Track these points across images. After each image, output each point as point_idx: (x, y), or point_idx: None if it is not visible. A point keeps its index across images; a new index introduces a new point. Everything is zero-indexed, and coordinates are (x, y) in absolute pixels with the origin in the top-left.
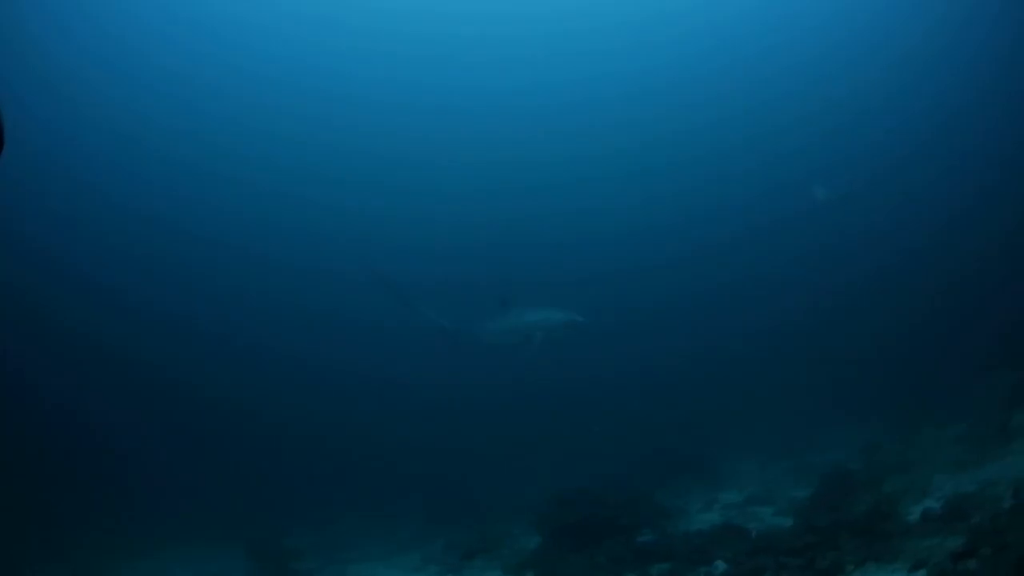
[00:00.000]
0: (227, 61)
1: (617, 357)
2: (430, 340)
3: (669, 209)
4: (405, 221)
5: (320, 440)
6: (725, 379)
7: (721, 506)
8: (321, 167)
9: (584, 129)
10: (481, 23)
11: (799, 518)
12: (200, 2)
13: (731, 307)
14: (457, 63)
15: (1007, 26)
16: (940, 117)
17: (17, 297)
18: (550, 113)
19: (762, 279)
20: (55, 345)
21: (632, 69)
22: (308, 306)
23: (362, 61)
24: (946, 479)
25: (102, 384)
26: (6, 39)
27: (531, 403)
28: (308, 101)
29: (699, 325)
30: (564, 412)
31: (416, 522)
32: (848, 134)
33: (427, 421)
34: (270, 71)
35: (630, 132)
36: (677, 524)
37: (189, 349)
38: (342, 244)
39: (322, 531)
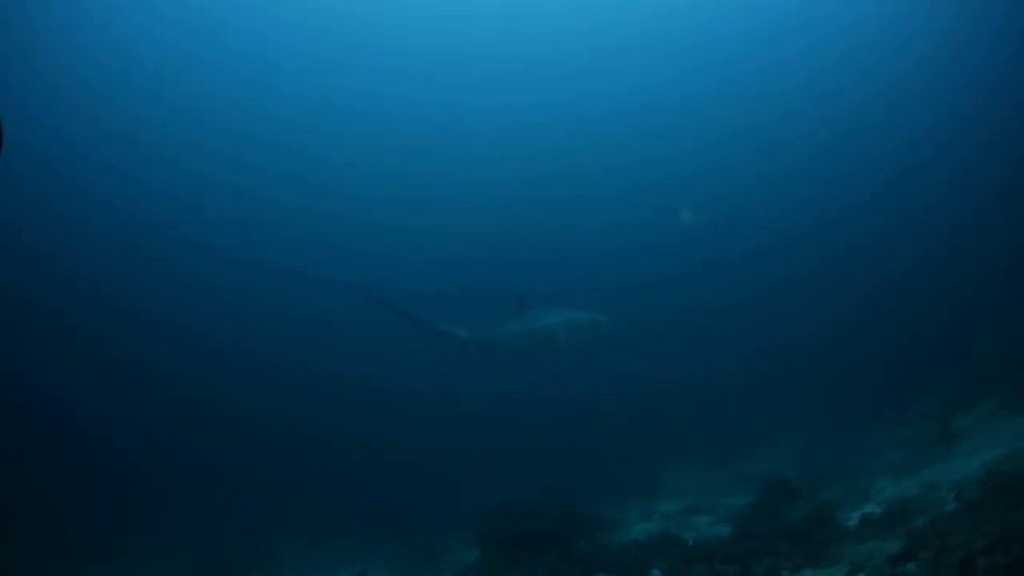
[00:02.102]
0: (231, 70)
1: (555, 371)
2: (437, 350)
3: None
4: (416, 232)
5: (260, 456)
6: (662, 390)
7: (659, 516)
8: (328, 177)
9: (570, 146)
10: (492, 36)
11: (737, 526)
12: (202, 8)
13: (668, 321)
14: (479, 77)
15: (1011, 34)
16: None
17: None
18: (548, 127)
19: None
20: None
21: (647, 82)
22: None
23: (378, 72)
24: (887, 483)
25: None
26: (7, 41)
27: (469, 416)
28: (323, 113)
29: (636, 339)
30: (502, 425)
31: (356, 538)
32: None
33: (367, 435)
34: (280, 84)
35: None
36: (615, 534)
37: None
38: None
39: (263, 549)
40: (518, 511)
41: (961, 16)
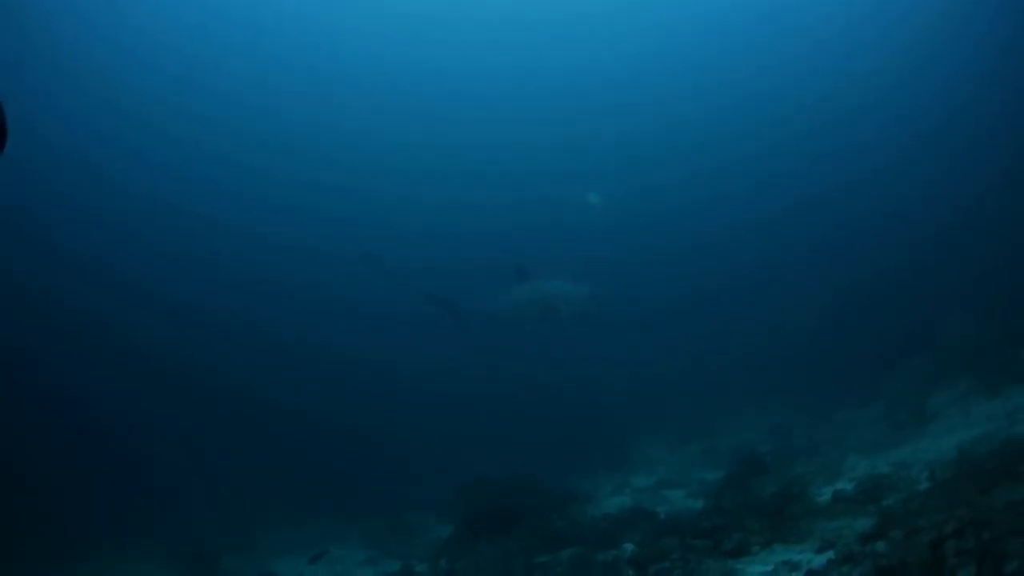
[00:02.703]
0: (238, 48)
1: (529, 345)
2: (437, 320)
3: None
4: (416, 203)
5: (232, 438)
6: (636, 363)
7: (632, 490)
8: (333, 155)
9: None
10: (499, 10)
11: (709, 500)
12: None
13: (645, 293)
14: (481, 49)
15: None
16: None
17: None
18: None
19: (676, 265)
20: None
21: (647, 54)
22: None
23: (377, 41)
24: (860, 460)
25: None
26: (14, 33)
27: (444, 391)
28: (325, 87)
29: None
30: (478, 400)
31: (330, 517)
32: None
33: (342, 412)
34: (280, 51)
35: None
36: (588, 509)
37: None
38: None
39: (238, 531)
40: (491, 487)
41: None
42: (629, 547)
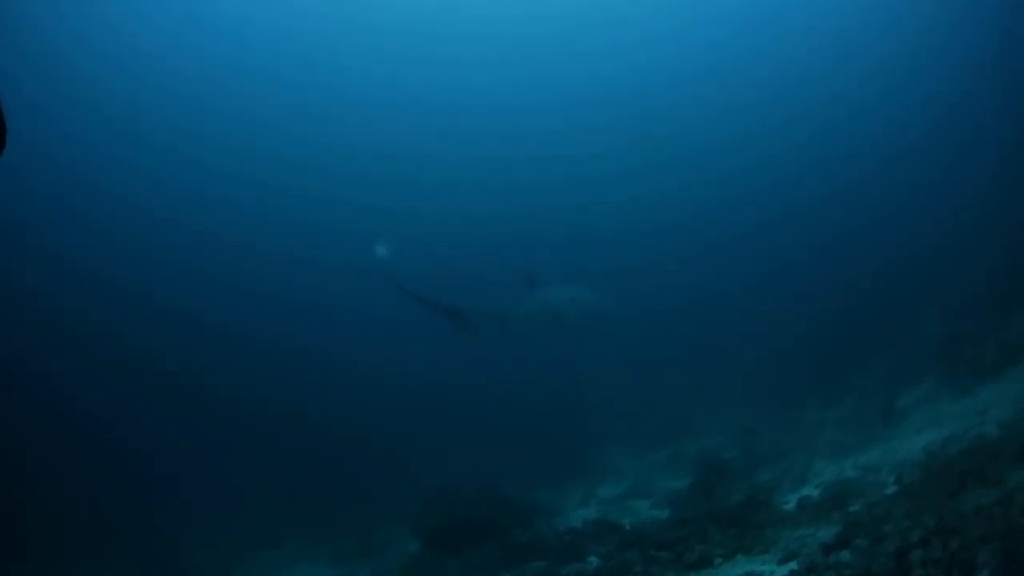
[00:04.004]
0: (233, 57)
1: (491, 356)
2: (444, 327)
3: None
4: (426, 214)
5: (201, 454)
6: (599, 370)
7: (598, 501)
8: (339, 165)
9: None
10: (501, 21)
11: (674, 510)
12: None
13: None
14: (482, 60)
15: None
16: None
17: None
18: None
19: (639, 271)
20: None
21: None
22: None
23: (378, 58)
24: (826, 464)
25: None
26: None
27: (412, 401)
28: (321, 96)
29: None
30: (445, 409)
31: (303, 536)
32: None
33: (314, 416)
34: (283, 68)
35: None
36: (553, 521)
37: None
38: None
39: (211, 548)
40: (457, 500)
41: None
42: (595, 560)
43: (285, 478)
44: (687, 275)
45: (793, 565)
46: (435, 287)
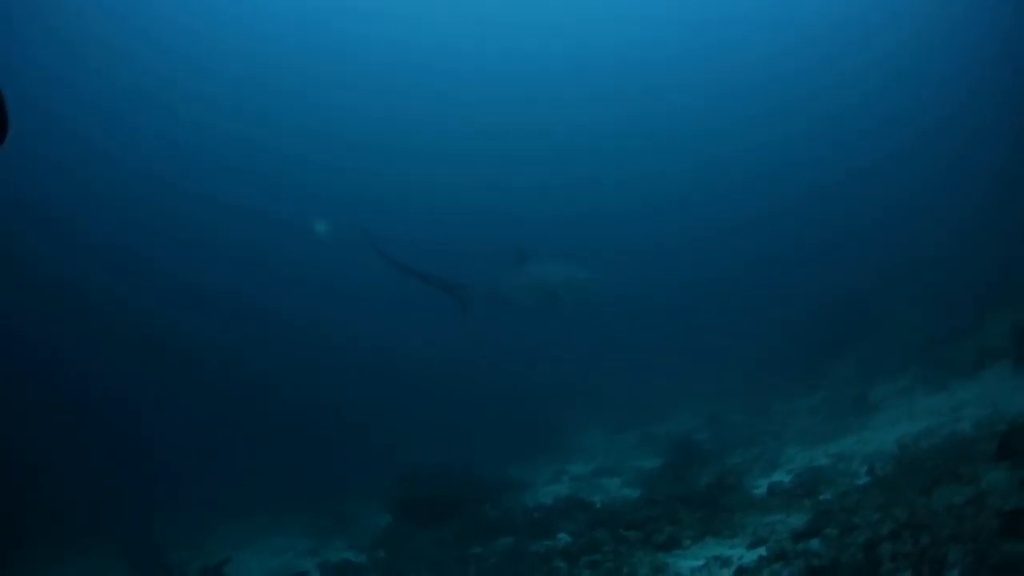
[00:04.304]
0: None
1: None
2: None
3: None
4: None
5: (173, 427)
6: (573, 350)
7: (569, 478)
8: (329, 125)
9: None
10: None
11: (644, 489)
12: None
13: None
14: (485, 27)
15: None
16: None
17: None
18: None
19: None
20: None
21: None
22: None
23: (381, 15)
24: (798, 451)
25: None
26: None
27: (382, 378)
28: (323, 56)
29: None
30: (418, 386)
31: (275, 511)
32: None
33: (279, 402)
34: (279, 25)
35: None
36: (524, 497)
37: None
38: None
39: (182, 523)
40: (428, 475)
41: None
42: (564, 537)
43: (257, 452)
44: (668, 262)
45: (762, 551)
46: (424, 261)
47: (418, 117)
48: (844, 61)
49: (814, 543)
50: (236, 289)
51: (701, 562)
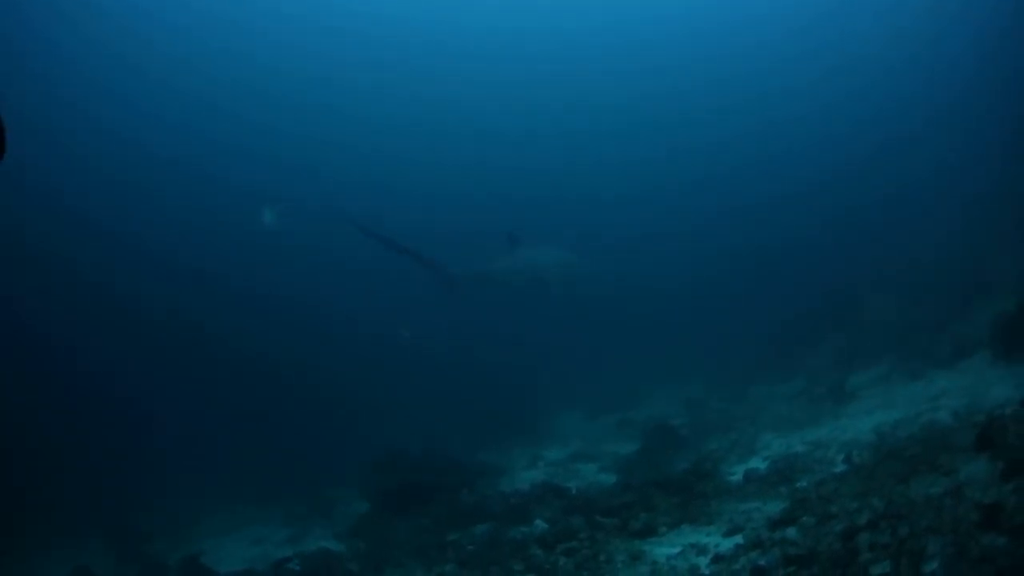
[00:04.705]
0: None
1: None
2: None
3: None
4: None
5: (151, 419)
6: (548, 335)
7: (545, 463)
8: (319, 103)
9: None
10: None
11: (621, 475)
12: None
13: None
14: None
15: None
16: None
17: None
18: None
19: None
20: None
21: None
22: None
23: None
24: (775, 438)
25: None
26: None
27: (356, 363)
28: (316, 34)
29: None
30: (394, 371)
31: (254, 500)
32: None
33: (253, 388)
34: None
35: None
36: (500, 483)
37: None
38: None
39: (165, 512)
40: (404, 461)
41: None
42: (541, 524)
43: (239, 439)
44: (647, 249)
45: (739, 539)
46: (415, 243)
47: (409, 100)
48: (828, 55)
49: (791, 531)
50: (217, 273)
51: (678, 549)
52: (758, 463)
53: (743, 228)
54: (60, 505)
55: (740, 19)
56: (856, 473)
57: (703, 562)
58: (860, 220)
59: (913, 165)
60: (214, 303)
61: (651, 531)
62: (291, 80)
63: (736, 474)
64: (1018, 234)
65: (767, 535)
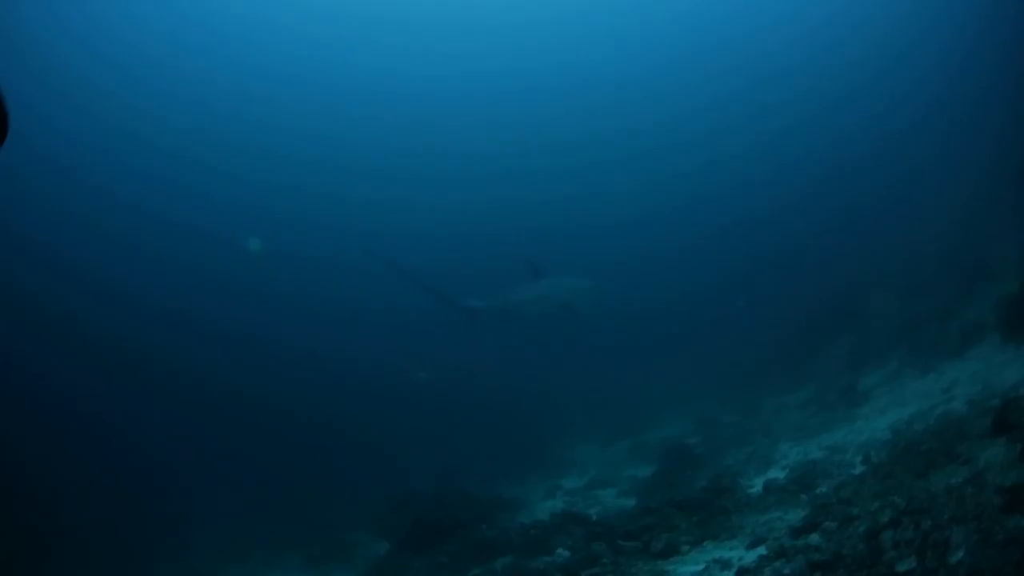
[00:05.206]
0: (230, 54)
1: (454, 353)
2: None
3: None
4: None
5: (171, 462)
6: (558, 363)
7: (563, 492)
8: (330, 157)
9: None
10: (498, 9)
11: (640, 498)
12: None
13: None
14: (475, 50)
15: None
16: None
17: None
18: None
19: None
20: None
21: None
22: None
23: (376, 51)
24: (791, 446)
25: None
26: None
27: (370, 400)
28: (329, 91)
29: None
30: (409, 407)
31: (271, 545)
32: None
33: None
34: (278, 64)
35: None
36: (520, 515)
37: None
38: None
39: (186, 564)
40: (421, 499)
41: None
42: (563, 553)
43: (253, 484)
44: (647, 270)
45: (762, 550)
46: (440, 278)
47: (422, 138)
48: (822, 60)
49: (814, 538)
50: (225, 315)
51: (701, 566)
52: (776, 473)
53: (742, 243)
54: (81, 555)
55: (728, 38)
56: (875, 473)
57: None
58: (858, 221)
59: (908, 159)
60: (227, 355)
61: (674, 550)
62: (300, 133)
63: (755, 486)
64: (1016, 219)
65: (790, 543)
